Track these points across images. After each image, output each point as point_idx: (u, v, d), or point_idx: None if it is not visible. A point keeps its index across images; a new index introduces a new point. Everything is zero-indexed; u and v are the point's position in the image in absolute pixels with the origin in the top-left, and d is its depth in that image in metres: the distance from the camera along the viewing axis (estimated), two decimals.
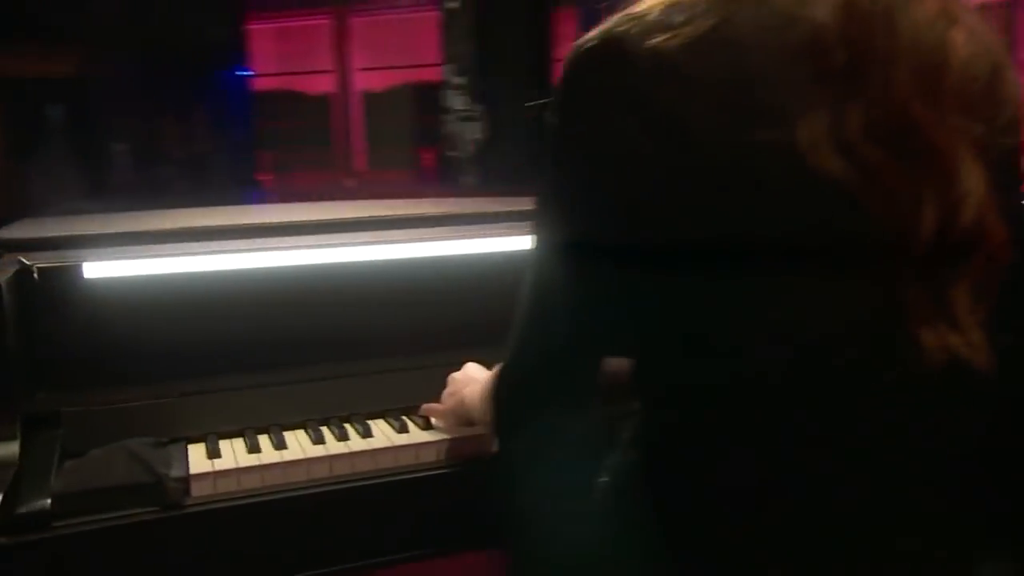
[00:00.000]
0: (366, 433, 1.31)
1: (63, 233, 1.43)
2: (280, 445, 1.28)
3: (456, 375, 1.32)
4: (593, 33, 0.82)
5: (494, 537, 1.37)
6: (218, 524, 1.19)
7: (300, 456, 1.24)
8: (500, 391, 1.01)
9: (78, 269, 1.33)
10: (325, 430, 1.32)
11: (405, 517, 1.26)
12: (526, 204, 1.75)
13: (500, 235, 1.51)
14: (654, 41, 0.76)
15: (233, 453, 1.27)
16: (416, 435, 1.31)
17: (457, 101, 5.68)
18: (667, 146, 0.76)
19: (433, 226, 1.51)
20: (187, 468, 1.21)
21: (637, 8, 0.80)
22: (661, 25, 0.77)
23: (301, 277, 1.41)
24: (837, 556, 0.80)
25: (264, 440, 1.30)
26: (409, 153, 5.64)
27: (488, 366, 1.31)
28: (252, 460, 1.23)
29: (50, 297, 1.31)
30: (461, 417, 1.28)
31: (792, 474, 0.79)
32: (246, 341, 1.38)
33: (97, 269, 1.34)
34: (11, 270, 1.28)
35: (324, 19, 6.11)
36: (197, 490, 1.19)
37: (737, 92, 0.75)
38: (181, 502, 1.18)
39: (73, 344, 1.32)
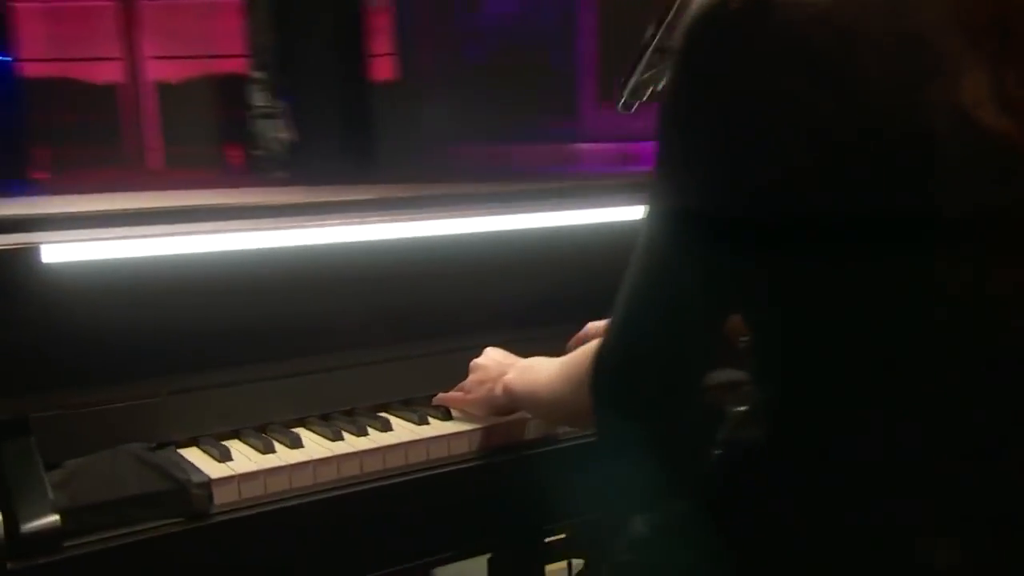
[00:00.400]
0: (385, 427, 1.21)
1: (15, 213, 1.23)
2: (296, 444, 1.16)
3: (483, 362, 1.25)
4: None
5: (532, 528, 1.33)
6: (247, 533, 1.07)
7: (328, 454, 1.13)
8: (602, 371, 0.93)
9: (35, 252, 1.15)
10: (339, 426, 1.22)
11: (438, 513, 1.18)
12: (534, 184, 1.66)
13: (484, 215, 1.46)
14: None
15: (244, 455, 1.14)
16: (441, 426, 1.23)
17: (259, 97, 5.39)
18: (832, 102, 0.72)
19: (422, 207, 1.43)
20: (205, 473, 1.07)
21: None
22: None
23: (281, 261, 1.29)
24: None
25: (276, 440, 1.18)
26: (213, 150, 5.30)
27: (512, 350, 1.26)
28: (275, 461, 1.11)
29: (1, 284, 1.13)
30: (499, 406, 1.21)
31: (941, 454, 0.75)
32: (234, 332, 1.24)
33: (57, 252, 1.17)
34: None
35: (107, 0, 5.63)
36: (220, 496, 1.06)
37: (899, 47, 0.72)
38: (207, 510, 1.05)
39: (34, 340, 1.14)
